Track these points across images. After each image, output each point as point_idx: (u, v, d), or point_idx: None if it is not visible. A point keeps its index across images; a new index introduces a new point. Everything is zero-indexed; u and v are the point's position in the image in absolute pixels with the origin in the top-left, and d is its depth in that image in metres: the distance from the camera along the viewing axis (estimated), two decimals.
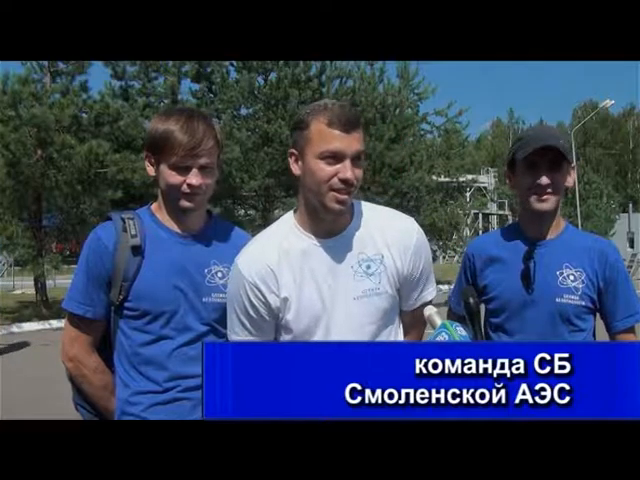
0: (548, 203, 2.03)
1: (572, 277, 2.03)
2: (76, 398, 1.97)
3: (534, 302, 2.03)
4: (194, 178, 1.85)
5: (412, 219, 1.92)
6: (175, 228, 1.93)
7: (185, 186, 1.85)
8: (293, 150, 1.81)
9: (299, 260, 1.81)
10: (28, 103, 12.78)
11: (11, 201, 13.64)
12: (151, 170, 1.93)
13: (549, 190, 2.02)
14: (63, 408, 2.26)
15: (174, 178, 1.86)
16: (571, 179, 2.10)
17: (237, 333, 1.85)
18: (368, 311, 1.81)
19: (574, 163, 2.12)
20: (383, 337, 1.85)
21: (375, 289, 1.82)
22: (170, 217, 1.94)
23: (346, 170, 1.73)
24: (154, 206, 1.98)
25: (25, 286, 19.14)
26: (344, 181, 1.73)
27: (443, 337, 1.65)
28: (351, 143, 1.74)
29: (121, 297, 1.87)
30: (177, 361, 1.87)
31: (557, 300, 2.02)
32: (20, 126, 12.53)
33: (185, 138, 1.82)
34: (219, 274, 1.93)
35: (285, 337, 1.83)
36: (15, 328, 12.59)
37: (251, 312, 1.81)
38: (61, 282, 15.32)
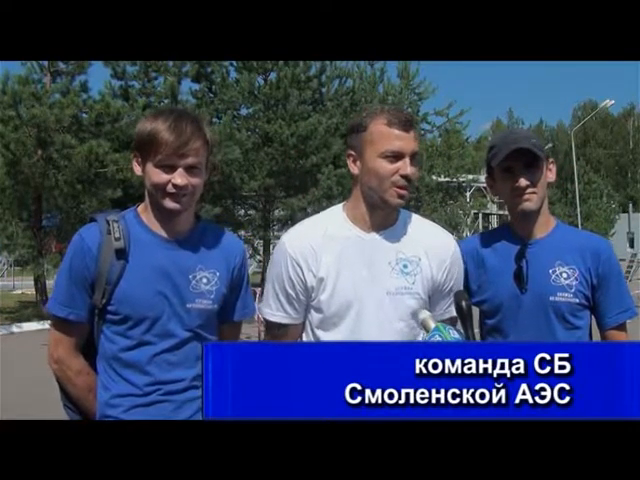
0: (531, 202, 2.04)
1: (565, 275, 2.03)
2: (63, 399, 1.95)
3: (528, 302, 2.02)
4: (179, 178, 1.80)
5: (451, 235, 2.04)
6: (161, 231, 1.89)
7: (170, 186, 1.81)
8: (351, 152, 1.93)
9: (341, 246, 1.91)
10: (28, 103, 12.77)
11: (11, 201, 13.65)
12: (138, 170, 1.89)
13: (529, 190, 2.03)
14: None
15: (159, 177, 1.81)
16: (551, 174, 2.10)
17: (270, 306, 1.96)
18: (399, 308, 1.88)
19: (552, 158, 2.14)
20: (416, 338, 1.89)
21: (409, 288, 1.90)
22: (156, 219, 1.89)
23: (406, 167, 1.85)
24: (140, 207, 1.94)
25: (25, 286, 19.14)
26: (405, 177, 1.85)
27: (436, 339, 1.65)
28: (409, 142, 1.86)
29: (104, 301, 1.83)
30: (158, 367, 1.83)
31: (551, 299, 2.01)
32: (20, 126, 12.54)
33: (171, 137, 1.79)
34: (204, 280, 1.88)
35: (316, 317, 1.92)
36: (15, 328, 12.59)
37: (287, 287, 1.92)
38: None
